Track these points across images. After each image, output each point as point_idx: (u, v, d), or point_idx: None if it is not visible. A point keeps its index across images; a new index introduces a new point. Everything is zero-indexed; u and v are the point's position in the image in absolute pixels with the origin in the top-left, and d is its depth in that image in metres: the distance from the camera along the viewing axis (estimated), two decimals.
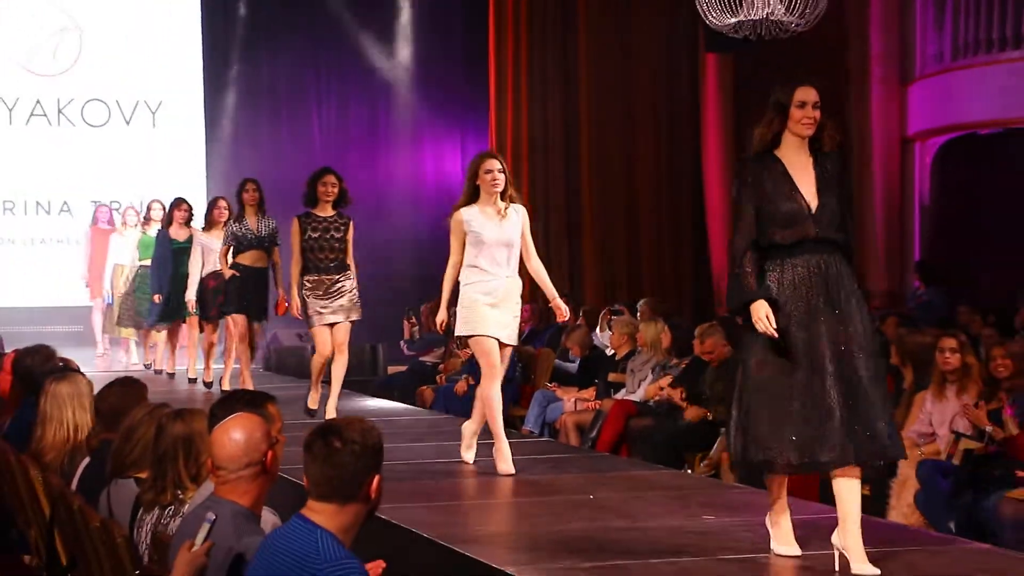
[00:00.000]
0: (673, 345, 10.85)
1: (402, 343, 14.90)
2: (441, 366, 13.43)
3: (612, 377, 11.16)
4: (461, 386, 12.01)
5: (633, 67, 17.88)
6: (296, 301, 9.67)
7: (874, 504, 7.64)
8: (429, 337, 14.06)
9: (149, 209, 14.11)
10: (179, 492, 4.72)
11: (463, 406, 11.65)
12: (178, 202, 12.99)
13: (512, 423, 11.40)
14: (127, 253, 14.30)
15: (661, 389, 10.37)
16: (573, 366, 12.24)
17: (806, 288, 5.28)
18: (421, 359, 14.09)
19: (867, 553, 5.19)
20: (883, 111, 16.68)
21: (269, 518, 4.19)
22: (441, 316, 7.98)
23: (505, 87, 17.97)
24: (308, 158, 16.82)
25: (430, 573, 5.92)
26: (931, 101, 15.56)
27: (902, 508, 7.90)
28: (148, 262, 13.47)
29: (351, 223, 9.79)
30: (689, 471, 9.40)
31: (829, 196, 5.35)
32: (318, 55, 18.49)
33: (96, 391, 6.22)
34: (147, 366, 13.97)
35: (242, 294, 11.12)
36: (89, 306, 15.78)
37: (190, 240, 12.44)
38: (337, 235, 9.67)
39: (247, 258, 11.08)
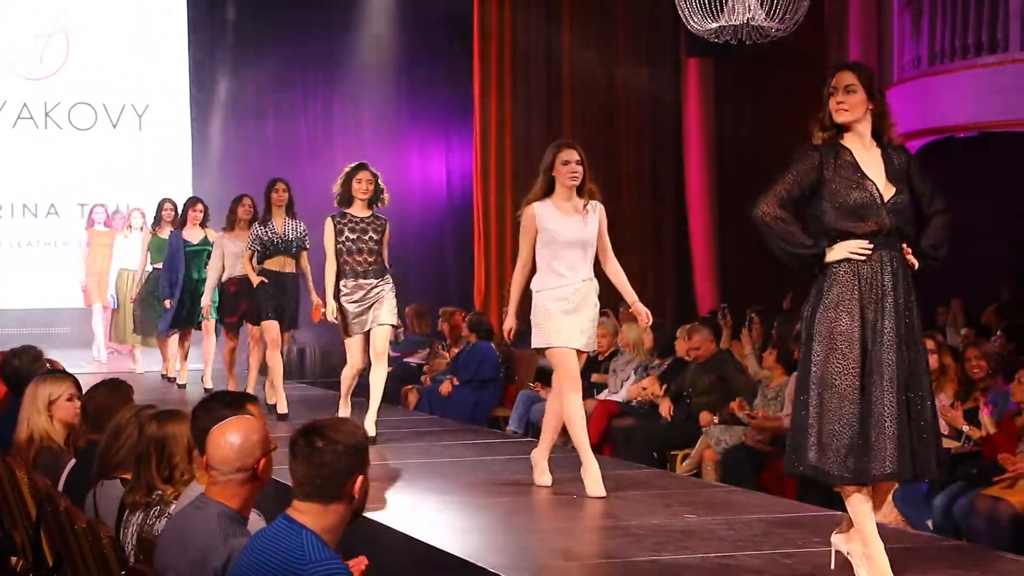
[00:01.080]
0: (655, 346, 10.92)
1: None
2: (426, 367, 13.45)
3: (595, 378, 11.21)
4: (446, 387, 12.06)
5: (615, 71, 17.96)
6: (333, 306, 8.94)
7: None
8: (414, 339, 14.10)
9: (160, 209, 13.16)
10: (154, 494, 4.72)
11: (447, 407, 11.72)
12: (192, 201, 12.34)
13: (495, 423, 11.46)
14: (134, 256, 13.55)
15: (644, 389, 10.44)
16: None
17: (880, 285, 4.99)
18: (406, 360, 14.13)
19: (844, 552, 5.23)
20: None
21: (255, 519, 4.22)
22: (509, 324, 7.28)
23: (489, 90, 18.01)
24: (294, 162, 16.86)
25: (414, 573, 5.96)
26: (909, 105, 15.61)
27: (880, 506, 7.97)
28: (159, 264, 12.78)
29: (387, 224, 9.10)
30: (671, 470, 9.46)
31: (902, 188, 5.10)
32: (304, 59, 18.49)
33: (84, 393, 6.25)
34: (168, 377, 13.09)
35: (270, 301, 10.30)
36: (79, 309, 15.75)
37: (204, 242, 11.87)
38: (375, 236, 8.96)
39: (274, 263, 10.30)
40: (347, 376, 9.24)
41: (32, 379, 6.66)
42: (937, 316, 13.08)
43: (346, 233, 8.88)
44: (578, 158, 6.98)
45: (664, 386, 10.19)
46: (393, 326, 9.21)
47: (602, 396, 10.85)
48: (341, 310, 8.91)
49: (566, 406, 6.99)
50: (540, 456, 7.30)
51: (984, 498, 7.35)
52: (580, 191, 7.03)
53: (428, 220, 18.34)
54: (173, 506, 4.59)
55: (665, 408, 10.02)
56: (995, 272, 15.09)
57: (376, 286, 8.92)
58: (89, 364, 14.43)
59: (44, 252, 17.69)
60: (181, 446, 4.74)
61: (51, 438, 6.29)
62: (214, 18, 18.33)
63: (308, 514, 3.72)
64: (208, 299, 11.36)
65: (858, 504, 5.01)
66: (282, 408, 10.39)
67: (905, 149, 5.23)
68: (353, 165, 9.06)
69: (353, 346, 9.03)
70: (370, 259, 8.90)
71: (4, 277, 17.49)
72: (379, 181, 9.00)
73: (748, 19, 12.75)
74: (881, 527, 6.47)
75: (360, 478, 3.76)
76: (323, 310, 9.42)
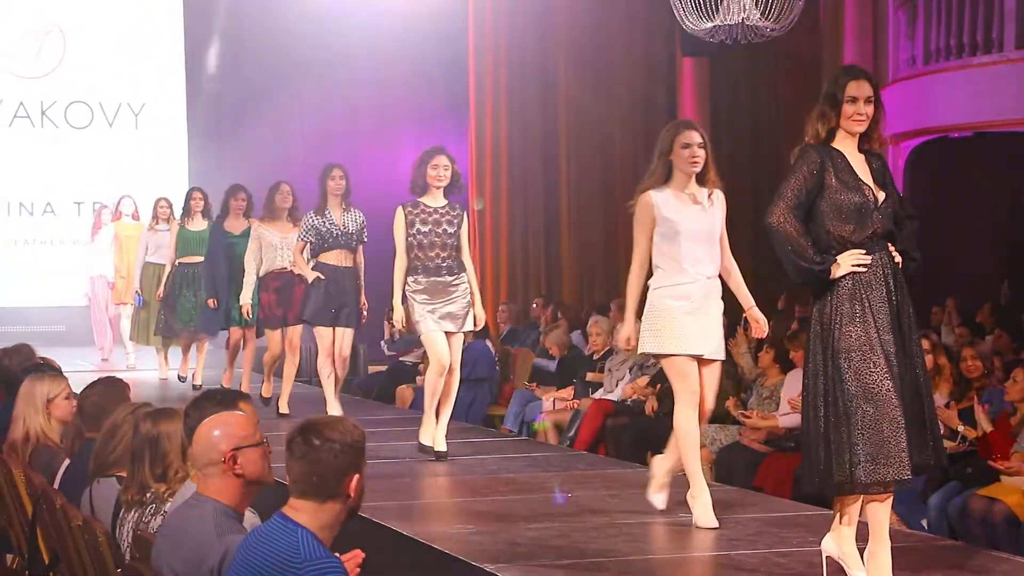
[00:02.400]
0: None
1: (383, 343, 14.92)
2: (420, 366, 13.45)
3: (590, 376, 11.22)
4: None
5: (611, 70, 17.98)
6: (400, 311, 8.05)
7: None
8: (409, 337, 14.11)
9: (189, 199, 12.18)
10: (147, 493, 4.72)
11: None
12: (235, 190, 11.30)
13: (491, 422, 11.47)
14: (163, 250, 12.60)
15: (634, 391, 10.45)
16: (552, 364, 12.31)
17: (884, 289, 5.00)
18: (401, 359, 14.14)
19: None
20: None
21: (250, 518, 4.22)
22: (627, 331, 6.29)
23: (485, 89, 18.04)
24: (290, 159, 16.86)
25: (409, 571, 5.97)
26: (904, 105, 15.63)
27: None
28: (192, 259, 11.90)
29: (465, 214, 8.21)
30: None
31: (889, 191, 5.12)
32: (300, 57, 18.48)
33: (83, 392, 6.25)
34: (182, 378, 12.49)
35: (329, 300, 9.39)
36: (75, 307, 15.74)
37: (248, 234, 10.84)
38: (450, 229, 8.05)
39: (332, 257, 9.38)
40: (431, 380, 8.13)
41: (26, 378, 6.66)
42: (931, 316, 13.10)
43: (417, 225, 7.99)
44: (700, 141, 6.21)
45: (659, 386, 10.19)
46: (465, 333, 8.29)
47: (597, 395, 10.86)
48: (409, 310, 8.03)
49: (680, 422, 6.14)
50: (660, 469, 6.49)
51: (979, 498, 7.36)
52: (701, 178, 6.25)
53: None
54: (169, 504, 4.59)
55: (649, 406, 10.03)
56: (988, 272, 15.12)
57: (452, 284, 8.05)
58: (92, 364, 14.30)
59: (40, 251, 17.69)
60: (175, 444, 4.75)
61: (48, 436, 6.30)
62: (210, 16, 18.33)
63: (304, 512, 3.72)
64: (248, 295, 10.44)
65: (886, 507, 5.02)
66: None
67: (879, 154, 5.25)
68: (429, 149, 8.14)
69: (437, 343, 8.00)
70: (443, 254, 8.02)
71: (0, 275, 17.49)
72: (455, 166, 8.09)
73: (743, 19, 12.77)
74: None
75: (356, 477, 3.76)
76: (365, 313, 9.18)
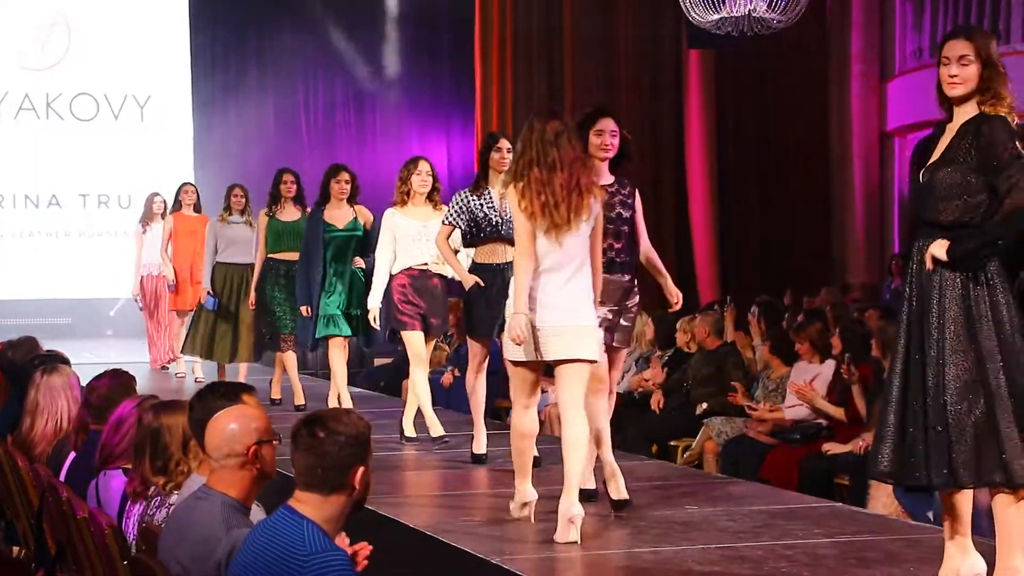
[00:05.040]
0: (656, 337, 10.92)
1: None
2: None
3: None
4: (447, 379, 12.05)
5: (617, 63, 17.97)
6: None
7: (854, 495, 7.72)
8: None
9: (279, 183, 10.28)
10: (148, 487, 4.71)
11: (448, 399, 11.70)
12: (335, 170, 9.50)
13: (498, 415, 11.47)
14: (237, 247, 11.12)
15: (646, 380, 10.44)
16: None
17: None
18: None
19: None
20: (863, 107, 16.83)
21: (256, 511, 4.22)
22: None
23: (490, 83, 18.03)
24: (296, 152, 16.88)
25: (417, 563, 5.98)
26: (910, 97, 15.65)
27: (882, 498, 7.97)
28: (284, 255, 10.13)
29: (637, 192, 6.49)
30: (672, 462, 9.47)
31: (947, 169, 4.63)
32: (305, 49, 18.49)
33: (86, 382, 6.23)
34: (275, 401, 10.53)
35: (490, 308, 7.41)
36: (81, 300, 15.73)
37: (354, 225, 9.40)
38: (625, 213, 6.31)
39: (487, 252, 7.48)
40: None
41: (29, 370, 6.63)
42: None
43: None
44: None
45: (663, 374, 10.19)
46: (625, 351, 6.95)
47: None
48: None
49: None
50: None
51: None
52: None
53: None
54: (174, 496, 4.60)
55: (655, 400, 10.02)
56: None
57: (626, 287, 6.42)
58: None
59: (46, 243, 17.71)
60: (176, 437, 4.74)
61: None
62: (215, 8, 18.33)
63: (309, 504, 3.72)
64: (377, 299, 8.54)
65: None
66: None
67: (992, 121, 4.71)
68: (592, 109, 6.56)
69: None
70: (616, 244, 6.30)
71: (5, 268, 17.50)
72: (624, 132, 6.47)
73: (749, 10, 12.77)
74: (883, 519, 6.50)
75: (361, 469, 3.75)
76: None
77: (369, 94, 18.73)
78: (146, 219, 13.23)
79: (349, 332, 9.46)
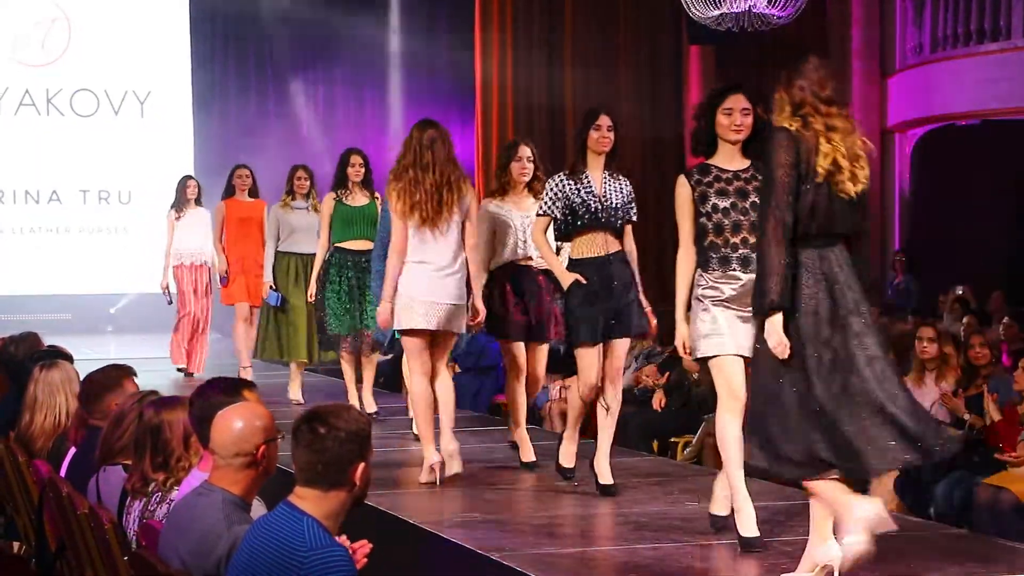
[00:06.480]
0: (657, 334, 10.90)
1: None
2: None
3: None
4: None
5: (617, 58, 17.97)
6: (683, 331, 5.63)
7: (855, 491, 7.72)
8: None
9: (346, 165, 9.31)
10: (149, 483, 4.71)
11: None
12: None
13: (497, 411, 11.46)
14: (299, 235, 10.11)
15: (646, 377, 10.44)
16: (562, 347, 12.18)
17: None
18: None
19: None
20: (864, 103, 16.84)
21: (256, 507, 4.22)
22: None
23: (490, 78, 18.04)
24: (295, 146, 16.86)
25: (416, 559, 5.98)
26: (911, 93, 15.66)
27: (882, 494, 7.99)
28: (354, 244, 9.22)
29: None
30: (672, 458, 9.48)
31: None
32: (305, 43, 18.50)
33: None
34: (376, 415, 9.36)
35: (593, 305, 6.59)
36: (80, 295, 15.69)
37: None
38: (759, 200, 5.25)
39: (585, 244, 6.66)
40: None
41: (29, 365, 6.63)
42: (939, 305, 13.10)
43: (712, 198, 5.51)
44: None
45: (667, 374, 10.19)
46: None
47: None
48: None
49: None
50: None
51: (986, 487, 7.36)
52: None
53: None
54: (175, 492, 4.59)
55: (657, 400, 10.01)
56: (995, 261, 15.11)
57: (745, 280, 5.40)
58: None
59: (46, 239, 17.71)
60: (177, 433, 4.74)
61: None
62: (215, 3, 18.32)
63: (309, 500, 3.73)
64: (481, 301, 7.23)
65: None
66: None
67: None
68: (721, 87, 5.71)
69: (729, 373, 5.48)
70: (750, 237, 5.42)
71: (6, 263, 17.51)
72: (758, 110, 5.61)
73: (750, 7, 12.77)
74: None
75: (362, 465, 3.76)
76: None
77: (369, 85, 18.72)
78: (180, 205, 11.91)
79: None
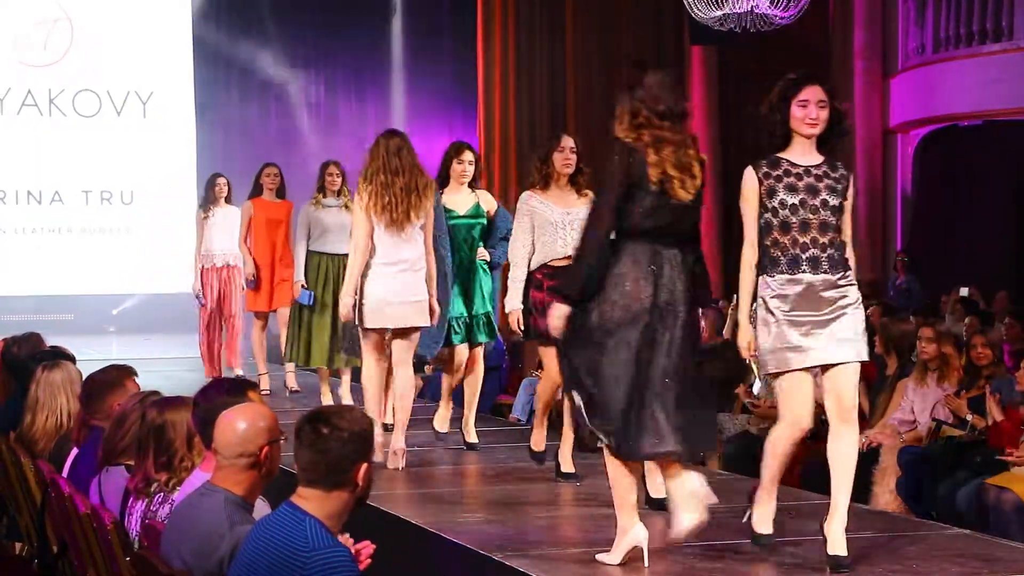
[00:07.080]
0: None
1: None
2: (430, 357, 13.18)
3: None
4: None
5: (619, 59, 17.98)
6: (747, 332, 5.30)
7: (856, 491, 7.72)
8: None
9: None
10: (151, 483, 4.71)
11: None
12: (457, 149, 8.08)
13: (500, 411, 11.47)
14: (332, 235, 9.75)
15: None
16: None
17: None
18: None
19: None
20: (866, 103, 16.85)
21: (260, 506, 4.22)
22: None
23: (493, 79, 18.05)
24: (297, 147, 16.89)
25: (418, 560, 5.98)
26: (913, 93, 15.66)
27: (884, 495, 7.99)
28: None
29: (852, 178, 5.33)
30: None
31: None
32: (307, 45, 18.52)
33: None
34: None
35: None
36: (83, 296, 15.67)
37: (477, 211, 8.02)
38: (832, 201, 5.13)
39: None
40: (781, 444, 5.58)
41: (32, 366, 6.63)
42: (941, 305, 13.10)
43: (780, 193, 5.19)
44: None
45: None
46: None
47: None
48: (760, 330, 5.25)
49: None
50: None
51: (988, 487, 7.36)
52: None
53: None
54: (177, 493, 4.59)
55: None
56: (998, 261, 15.10)
57: (837, 287, 5.23)
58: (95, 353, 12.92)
59: (49, 239, 17.72)
60: (180, 433, 4.74)
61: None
62: (217, 3, 18.34)
63: (311, 500, 3.73)
64: (518, 300, 6.98)
65: None
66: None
67: None
68: (795, 76, 5.39)
69: (793, 394, 5.32)
70: (822, 239, 5.17)
71: (8, 264, 17.53)
72: (835, 103, 5.30)
73: (752, 7, 12.77)
74: (884, 515, 6.50)
75: (364, 466, 3.77)
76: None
77: (371, 87, 18.74)
78: (208, 203, 11.33)
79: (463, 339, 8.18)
